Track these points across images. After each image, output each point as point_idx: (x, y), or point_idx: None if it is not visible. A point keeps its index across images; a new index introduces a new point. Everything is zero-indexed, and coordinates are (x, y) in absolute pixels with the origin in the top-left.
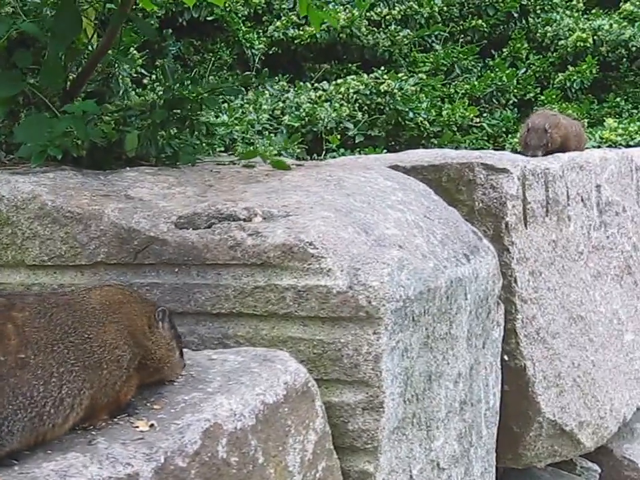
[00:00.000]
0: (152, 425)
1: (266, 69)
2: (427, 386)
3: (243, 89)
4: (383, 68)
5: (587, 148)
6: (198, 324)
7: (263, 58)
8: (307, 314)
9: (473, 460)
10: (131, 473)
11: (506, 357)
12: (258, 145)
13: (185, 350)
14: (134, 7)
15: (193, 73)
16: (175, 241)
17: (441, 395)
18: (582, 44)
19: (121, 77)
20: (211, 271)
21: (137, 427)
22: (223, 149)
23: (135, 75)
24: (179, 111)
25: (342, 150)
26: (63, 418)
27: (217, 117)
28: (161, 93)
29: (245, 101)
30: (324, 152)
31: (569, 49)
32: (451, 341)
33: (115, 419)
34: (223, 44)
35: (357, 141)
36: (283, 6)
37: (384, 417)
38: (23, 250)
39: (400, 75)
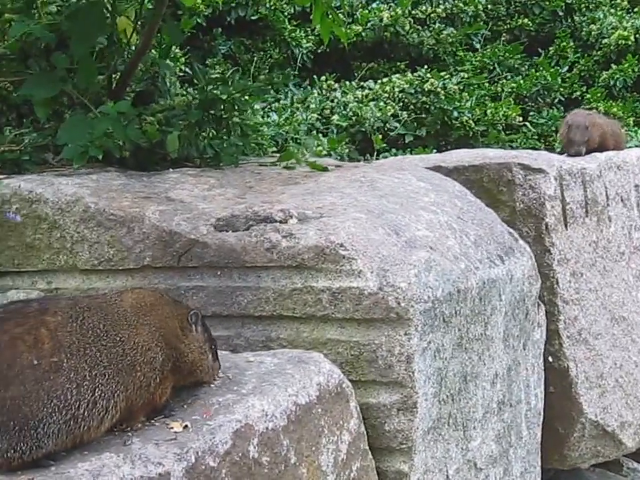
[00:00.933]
0: (186, 426)
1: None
2: (463, 386)
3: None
4: (426, 67)
5: (628, 147)
6: (243, 327)
7: (312, 57)
8: (342, 316)
9: (513, 460)
10: (162, 472)
11: (550, 359)
12: (305, 145)
13: (224, 352)
14: (178, 9)
15: (237, 72)
16: (215, 243)
17: (478, 395)
18: (624, 42)
19: (166, 76)
20: (251, 274)
21: (172, 428)
22: (274, 148)
23: (182, 74)
24: (212, 111)
25: (393, 150)
26: (97, 420)
27: (267, 116)
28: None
29: (295, 100)
30: (375, 152)
31: (611, 47)
32: (487, 342)
33: (152, 421)
34: (272, 43)
35: (407, 141)
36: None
37: (417, 417)
38: (74, 254)
39: (442, 73)
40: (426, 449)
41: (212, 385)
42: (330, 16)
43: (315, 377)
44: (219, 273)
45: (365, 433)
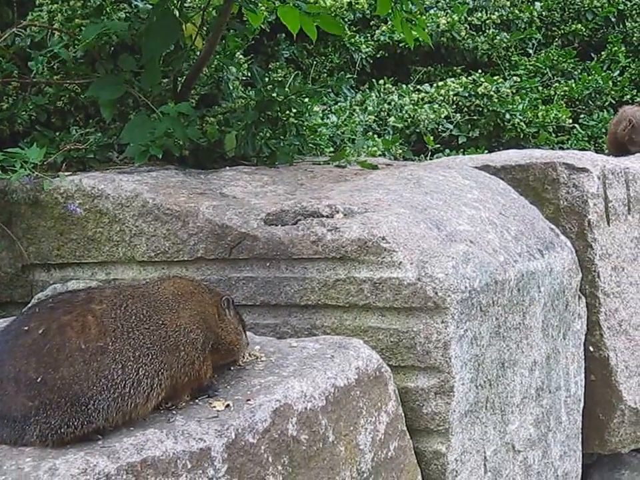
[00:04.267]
0: (228, 405)
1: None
2: (501, 372)
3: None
4: (480, 71)
5: None
6: (290, 315)
7: (371, 61)
8: (383, 305)
9: (552, 444)
10: (203, 447)
11: (591, 348)
12: (358, 145)
13: (269, 338)
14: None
15: (298, 75)
16: (264, 236)
17: (516, 381)
18: None
19: (230, 80)
20: (298, 265)
21: (214, 407)
22: (331, 149)
23: (245, 78)
24: (269, 112)
25: (447, 151)
26: (143, 397)
27: (327, 117)
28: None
29: (354, 102)
30: (429, 153)
31: None
32: (525, 331)
33: (196, 400)
34: (332, 48)
35: (460, 142)
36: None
37: (454, 401)
38: (132, 247)
39: (495, 77)
40: (463, 430)
41: (255, 368)
42: (414, 21)
43: (354, 362)
44: (267, 264)
45: (403, 415)
